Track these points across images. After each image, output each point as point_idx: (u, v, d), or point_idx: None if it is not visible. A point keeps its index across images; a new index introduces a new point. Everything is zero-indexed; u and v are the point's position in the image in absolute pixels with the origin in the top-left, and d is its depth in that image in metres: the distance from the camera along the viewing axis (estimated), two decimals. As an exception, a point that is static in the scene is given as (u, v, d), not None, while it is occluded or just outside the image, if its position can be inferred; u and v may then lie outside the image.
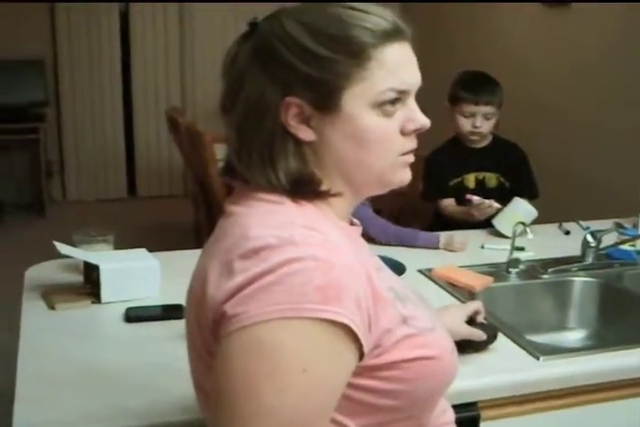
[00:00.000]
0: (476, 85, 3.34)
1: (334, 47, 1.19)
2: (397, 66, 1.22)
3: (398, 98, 1.23)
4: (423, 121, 1.27)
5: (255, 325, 1.07)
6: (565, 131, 5.09)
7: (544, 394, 1.90)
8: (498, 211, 3.10)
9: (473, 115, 3.30)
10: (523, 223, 2.64)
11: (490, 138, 3.44)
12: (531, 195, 3.35)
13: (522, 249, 2.73)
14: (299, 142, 1.23)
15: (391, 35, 1.22)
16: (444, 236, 2.87)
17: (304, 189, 1.24)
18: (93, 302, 2.22)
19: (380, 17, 1.22)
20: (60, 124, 7.18)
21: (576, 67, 5.00)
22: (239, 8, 6.59)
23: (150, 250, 2.41)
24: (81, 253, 2.31)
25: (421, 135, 1.29)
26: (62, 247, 2.29)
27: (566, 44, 5.10)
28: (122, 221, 6.13)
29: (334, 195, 1.27)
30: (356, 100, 1.21)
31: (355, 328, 1.10)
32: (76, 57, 7.07)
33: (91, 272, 2.26)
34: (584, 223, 3.13)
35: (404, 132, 1.25)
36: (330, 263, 1.11)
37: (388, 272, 1.35)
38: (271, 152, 1.22)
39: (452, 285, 2.43)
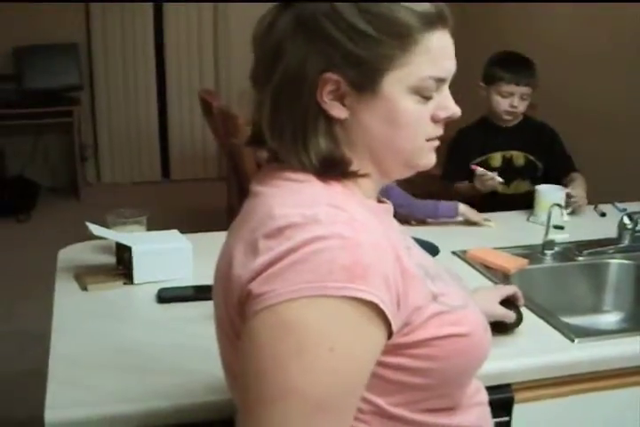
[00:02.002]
0: (516, 65, 3.29)
1: (382, 27, 1.17)
2: (440, 53, 1.22)
3: (437, 86, 1.22)
4: (455, 109, 1.26)
5: (281, 304, 1.06)
6: (597, 114, 5.03)
7: (578, 376, 1.88)
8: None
9: (512, 94, 3.27)
10: (559, 205, 2.60)
11: (520, 117, 3.41)
12: (567, 170, 3.34)
13: (561, 228, 2.70)
14: (330, 121, 1.22)
15: (436, 21, 1.20)
16: (463, 205, 2.88)
17: (334, 169, 1.23)
18: (125, 284, 2.22)
19: (427, 3, 1.20)
20: (94, 107, 7.20)
21: (607, 49, 4.94)
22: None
23: (184, 232, 2.42)
24: (113, 235, 2.32)
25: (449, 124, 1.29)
26: (95, 228, 2.29)
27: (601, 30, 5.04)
28: (156, 203, 6.12)
29: (362, 175, 1.26)
30: (396, 84, 1.20)
31: (382, 306, 1.09)
32: (110, 41, 7.08)
33: (123, 253, 2.27)
34: (620, 205, 3.09)
35: (434, 119, 1.25)
36: (356, 241, 1.10)
37: (418, 250, 1.34)
38: (305, 130, 1.21)
39: (487, 267, 2.41)
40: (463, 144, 3.43)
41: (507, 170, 3.30)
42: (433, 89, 1.22)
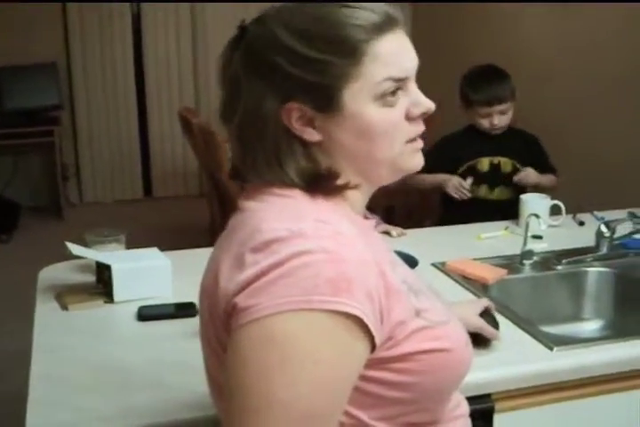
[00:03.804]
0: (485, 85, 3.34)
1: (326, 49, 1.18)
2: (392, 55, 1.21)
3: (398, 86, 1.22)
4: (428, 104, 1.26)
5: (266, 317, 1.07)
6: (578, 125, 5.06)
7: (558, 385, 1.89)
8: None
9: (489, 115, 3.32)
10: (536, 215, 2.62)
11: (506, 127, 3.45)
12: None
13: (540, 237, 2.72)
14: (306, 144, 1.23)
15: (382, 26, 1.20)
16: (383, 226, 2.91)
17: (320, 184, 1.24)
18: (106, 302, 2.22)
19: (369, 10, 1.20)
20: (75, 126, 7.18)
21: (586, 58, 4.97)
22: (250, 8, 6.60)
23: (166, 250, 2.42)
24: (92, 254, 2.32)
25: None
26: (74, 248, 2.30)
27: (579, 40, 5.07)
28: (138, 221, 6.16)
29: (352, 187, 1.27)
30: (357, 97, 1.20)
31: (366, 320, 1.10)
32: (89, 59, 7.07)
33: (103, 272, 2.27)
34: (599, 214, 3.11)
35: (409, 118, 1.25)
36: (341, 256, 1.11)
37: (401, 266, 1.35)
38: (278, 156, 1.22)
39: (466, 278, 2.42)
40: (445, 148, 3.48)
41: (493, 175, 3.34)
42: (394, 91, 1.21)
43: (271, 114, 1.21)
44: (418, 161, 1.30)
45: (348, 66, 1.18)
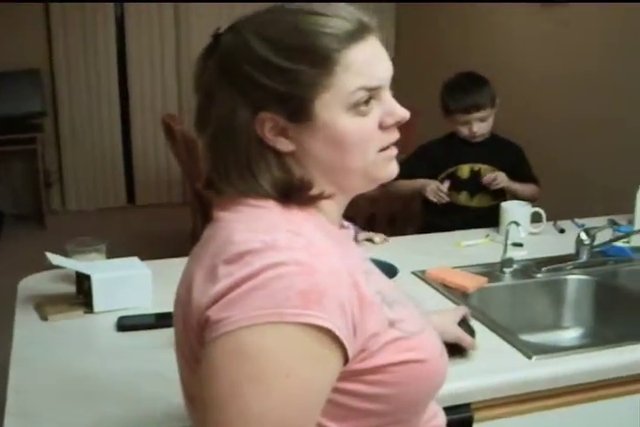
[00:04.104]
0: (463, 93, 3.36)
1: (297, 59, 1.17)
2: (364, 65, 1.20)
3: (371, 96, 1.21)
4: (402, 113, 1.25)
5: (238, 330, 1.07)
6: (559, 130, 5.08)
7: (537, 394, 1.89)
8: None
9: (468, 122, 3.33)
10: (516, 223, 2.62)
11: (488, 135, 3.46)
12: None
13: (520, 245, 2.73)
14: (279, 154, 1.23)
15: (355, 35, 1.19)
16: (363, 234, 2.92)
17: (293, 194, 1.24)
18: (86, 312, 2.21)
19: (341, 18, 1.20)
20: (58, 133, 7.16)
21: (572, 67, 4.99)
22: (234, 13, 6.52)
23: (150, 258, 2.42)
24: (72, 264, 2.31)
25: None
26: (54, 258, 2.29)
27: (563, 44, 5.09)
28: (121, 229, 6.14)
29: (326, 197, 1.26)
30: (329, 107, 1.19)
31: (338, 333, 1.09)
32: (73, 66, 7.06)
33: (83, 282, 2.26)
34: (579, 221, 3.13)
35: (382, 127, 1.24)
36: (313, 268, 1.11)
37: (377, 275, 1.35)
38: (250, 166, 1.22)
39: (446, 286, 2.42)
40: (425, 154, 3.51)
41: (474, 182, 3.35)
42: (367, 100, 1.21)
43: (244, 124, 1.20)
44: (392, 169, 1.29)
45: (319, 76, 1.18)
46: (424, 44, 6.50)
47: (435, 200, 3.35)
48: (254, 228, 1.18)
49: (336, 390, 1.16)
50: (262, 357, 1.07)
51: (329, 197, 1.27)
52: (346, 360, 1.14)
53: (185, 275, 1.26)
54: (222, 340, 1.08)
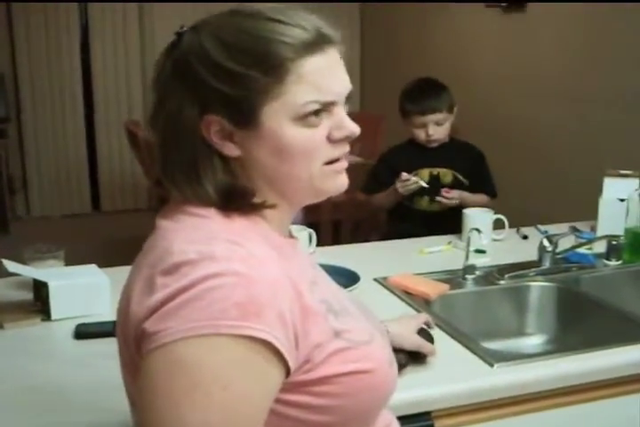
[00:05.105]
0: (420, 95, 3.40)
1: (249, 64, 1.15)
2: (319, 77, 1.18)
3: (322, 109, 1.20)
4: (352, 128, 1.23)
5: (175, 342, 1.05)
6: (520, 135, 5.11)
7: (499, 402, 1.88)
8: (423, 189, 3.32)
9: (424, 125, 3.35)
10: (477, 229, 2.62)
11: (446, 139, 3.48)
12: (487, 194, 3.46)
13: (483, 252, 2.73)
14: (225, 158, 1.21)
15: (312, 45, 1.17)
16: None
17: (237, 202, 1.22)
18: (43, 320, 2.18)
19: (300, 27, 1.18)
20: (22, 139, 7.12)
21: (532, 69, 5.02)
22: (198, 16, 6.51)
23: (116, 264, 2.39)
24: (29, 271, 2.28)
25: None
26: (10, 265, 2.26)
27: (523, 47, 5.12)
28: (86, 235, 6.09)
29: (269, 206, 1.25)
30: (277, 115, 1.18)
31: (277, 344, 1.08)
32: (36, 71, 7.02)
33: (40, 289, 2.23)
34: (542, 228, 3.13)
35: (330, 140, 1.22)
36: (251, 279, 1.09)
37: (325, 284, 1.33)
38: (196, 169, 1.20)
39: (408, 293, 2.40)
40: (388, 161, 3.53)
41: (434, 186, 3.35)
42: (318, 113, 1.19)
43: (190, 124, 1.19)
44: (340, 183, 1.27)
45: (270, 83, 1.16)
46: (389, 49, 6.48)
47: (410, 189, 3.31)
48: (193, 238, 1.16)
49: (282, 401, 1.15)
50: (198, 369, 1.05)
51: (272, 206, 1.25)
52: (287, 372, 1.12)
53: (126, 285, 1.24)
54: (158, 352, 1.07)
